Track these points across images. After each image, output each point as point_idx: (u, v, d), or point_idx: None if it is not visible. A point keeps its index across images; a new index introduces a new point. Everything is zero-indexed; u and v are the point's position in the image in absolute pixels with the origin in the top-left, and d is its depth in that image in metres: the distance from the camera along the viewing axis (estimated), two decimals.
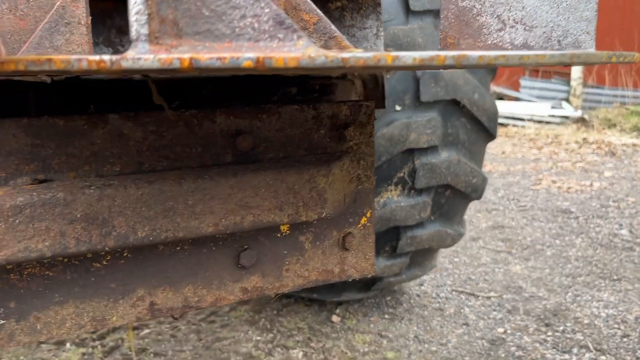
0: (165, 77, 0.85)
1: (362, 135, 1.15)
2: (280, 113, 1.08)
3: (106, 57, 0.51)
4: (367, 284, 3.18)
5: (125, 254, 0.99)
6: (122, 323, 1.01)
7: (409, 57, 0.54)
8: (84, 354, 2.77)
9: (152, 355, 2.80)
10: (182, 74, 0.57)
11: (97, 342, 2.88)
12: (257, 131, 1.06)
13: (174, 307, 1.04)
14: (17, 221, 0.81)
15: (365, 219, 1.19)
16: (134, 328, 3.10)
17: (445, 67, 0.59)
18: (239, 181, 0.95)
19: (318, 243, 1.15)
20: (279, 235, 1.12)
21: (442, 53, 0.56)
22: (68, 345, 2.84)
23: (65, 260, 0.95)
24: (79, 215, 0.85)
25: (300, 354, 2.83)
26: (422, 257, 3.13)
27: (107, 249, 0.87)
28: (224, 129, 1.03)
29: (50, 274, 0.94)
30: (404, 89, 2.56)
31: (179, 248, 1.03)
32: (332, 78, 1.41)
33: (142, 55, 0.50)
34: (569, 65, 0.70)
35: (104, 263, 0.98)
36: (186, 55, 0.50)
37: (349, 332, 3.07)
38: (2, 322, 0.92)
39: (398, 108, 2.58)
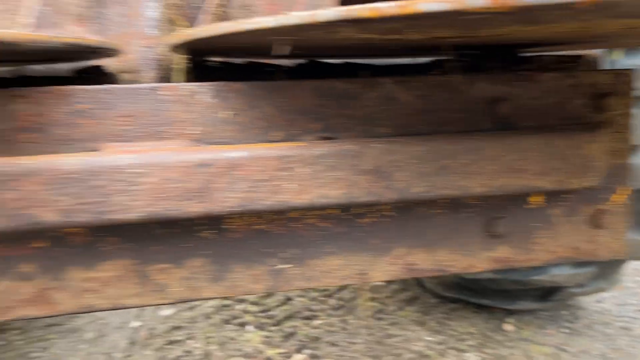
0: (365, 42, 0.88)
1: (620, 106, 1.10)
2: (539, 80, 1.07)
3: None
4: (544, 294, 3.00)
5: (387, 213, 1.05)
6: (381, 280, 1.06)
7: None
8: (264, 336, 2.95)
9: (325, 344, 2.90)
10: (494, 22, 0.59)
11: (277, 327, 3.05)
12: (515, 98, 1.06)
13: (428, 269, 1.07)
14: (319, 169, 0.89)
15: (619, 196, 1.13)
16: (306, 318, 3.24)
17: None
18: (508, 144, 0.96)
19: (569, 218, 1.12)
20: (529, 206, 1.10)
21: None
22: (252, 327, 3.05)
23: (338, 213, 1.02)
24: (366, 168, 0.91)
25: (475, 358, 2.74)
26: (610, 269, 2.88)
27: (389, 201, 0.93)
28: (484, 95, 1.05)
29: (325, 225, 1.02)
30: None
31: (435, 211, 1.06)
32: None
33: None
34: None
35: (367, 220, 1.04)
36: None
37: (524, 342, 2.92)
38: (283, 266, 1.01)
39: None
